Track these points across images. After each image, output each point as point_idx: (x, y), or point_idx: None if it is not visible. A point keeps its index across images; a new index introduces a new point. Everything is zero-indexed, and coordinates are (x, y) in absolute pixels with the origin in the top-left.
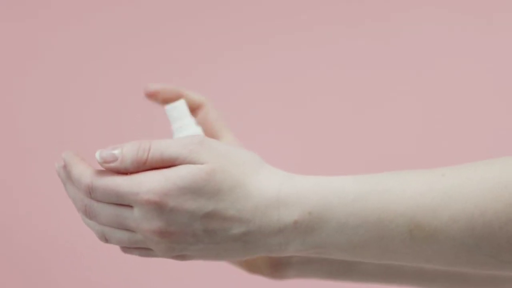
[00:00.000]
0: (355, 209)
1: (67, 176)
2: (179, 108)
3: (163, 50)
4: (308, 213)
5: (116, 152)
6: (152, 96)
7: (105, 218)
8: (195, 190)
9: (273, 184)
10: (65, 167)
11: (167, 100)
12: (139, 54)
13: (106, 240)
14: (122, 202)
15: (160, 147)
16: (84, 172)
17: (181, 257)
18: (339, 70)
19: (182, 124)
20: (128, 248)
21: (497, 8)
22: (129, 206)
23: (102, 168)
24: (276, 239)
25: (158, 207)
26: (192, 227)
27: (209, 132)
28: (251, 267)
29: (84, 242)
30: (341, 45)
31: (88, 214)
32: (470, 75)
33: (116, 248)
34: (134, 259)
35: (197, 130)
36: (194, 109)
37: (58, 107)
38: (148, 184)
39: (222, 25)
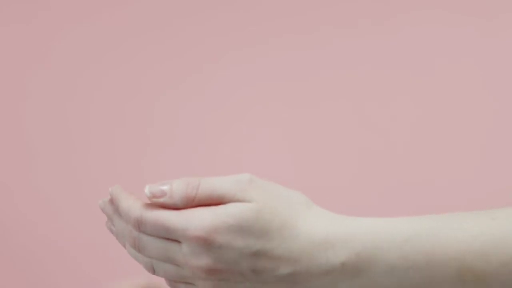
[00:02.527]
0: (404, 251)
1: (114, 210)
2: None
3: (165, 50)
4: (356, 255)
5: (165, 188)
6: None
7: (154, 251)
8: (243, 229)
9: (321, 225)
10: (112, 201)
11: None
12: (141, 55)
13: (153, 271)
14: (170, 236)
15: (209, 185)
16: (133, 206)
17: None
18: (340, 71)
19: None
20: (174, 282)
21: (497, 9)
22: (178, 241)
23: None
24: (323, 281)
25: (206, 243)
26: (240, 265)
27: None
28: None
29: (84, 243)
30: (342, 45)
31: (136, 246)
32: (470, 76)
33: (115, 249)
34: (134, 261)
35: None
36: None
37: (59, 108)
38: (197, 220)
39: (223, 26)
